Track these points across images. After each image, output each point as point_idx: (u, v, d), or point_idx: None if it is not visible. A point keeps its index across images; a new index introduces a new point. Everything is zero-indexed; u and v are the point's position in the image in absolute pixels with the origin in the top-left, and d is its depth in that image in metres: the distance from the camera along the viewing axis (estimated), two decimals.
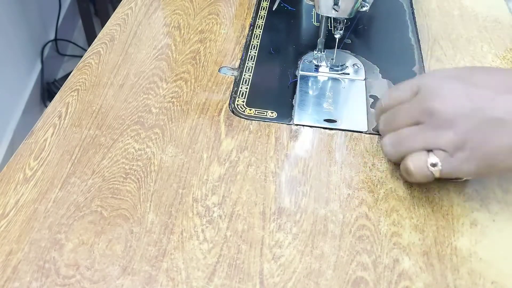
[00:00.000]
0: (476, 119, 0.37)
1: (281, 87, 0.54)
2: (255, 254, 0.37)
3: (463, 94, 0.38)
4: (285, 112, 0.50)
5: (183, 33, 0.61)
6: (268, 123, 0.48)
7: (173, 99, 0.51)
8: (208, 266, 0.36)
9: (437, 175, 0.39)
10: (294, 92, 0.52)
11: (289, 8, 0.56)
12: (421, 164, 0.39)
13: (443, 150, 0.38)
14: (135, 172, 0.43)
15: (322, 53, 0.55)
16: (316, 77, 0.55)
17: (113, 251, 0.37)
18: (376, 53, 0.58)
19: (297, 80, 0.53)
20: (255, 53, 0.58)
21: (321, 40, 0.53)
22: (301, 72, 0.55)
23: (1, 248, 0.37)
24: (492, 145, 0.37)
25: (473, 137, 0.37)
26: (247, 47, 0.59)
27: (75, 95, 0.51)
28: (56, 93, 0.52)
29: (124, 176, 0.43)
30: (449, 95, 0.39)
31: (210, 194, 0.41)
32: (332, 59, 0.55)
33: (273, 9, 0.63)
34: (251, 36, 0.61)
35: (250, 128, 0.48)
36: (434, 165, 0.38)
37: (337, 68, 0.55)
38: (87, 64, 0.56)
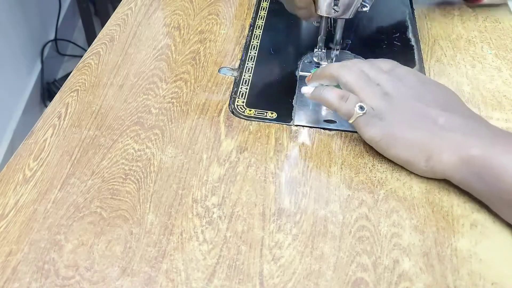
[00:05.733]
0: (409, 110, 0.43)
1: (281, 87, 0.54)
2: (255, 255, 0.37)
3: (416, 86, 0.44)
4: (285, 113, 0.50)
5: (183, 34, 0.60)
6: (268, 123, 0.48)
7: (173, 100, 0.51)
8: (208, 267, 0.36)
9: (352, 118, 0.44)
10: (294, 93, 0.52)
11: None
12: (353, 100, 0.44)
13: (372, 109, 0.43)
14: (135, 172, 0.43)
15: (323, 51, 0.55)
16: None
17: (112, 252, 0.37)
18: (376, 53, 0.58)
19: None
20: (255, 53, 0.58)
21: (321, 37, 0.53)
22: (301, 72, 0.55)
23: (1, 249, 0.37)
24: (403, 134, 0.42)
25: (396, 119, 0.43)
26: (247, 48, 0.59)
27: (75, 96, 0.51)
28: (56, 93, 0.52)
29: (124, 177, 0.43)
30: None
31: (210, 195, 0.41)
32: (332, 59, 0.55)
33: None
34: (251, 36, 0.61)
35: (250, 129, 0.48)
36: (361, 108, 0.43)
37: None
38: (87, 65, 0.56)
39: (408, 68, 0.46)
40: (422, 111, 0.42)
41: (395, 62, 0.47)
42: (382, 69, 0.46)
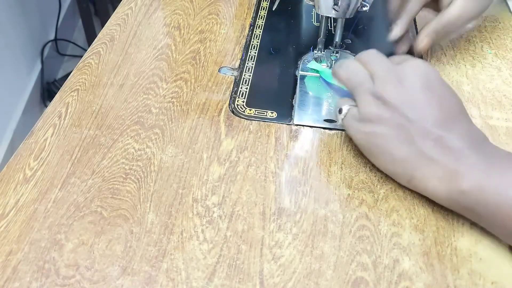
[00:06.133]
0: (397, 127, 0.39)
1: (281, 87, 0.54)
2: (255, 254, 0.37)
3: (420, 100, 0.40)
4: (285, 112, 0.50)
5: (183, 33, 0.61)
6: (268, 123, 0.48)
7: (173, 99, 0.51)
8: (208, 266, 0.36)
9: (339, 121, 0.44)
10: (294, 92, 0.52)
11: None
12: (340, 104, 0.44)
13: (357, 111, 0.42)
14: (135, 172, 0.43)
15: (322, 52, 0.55)
16: (316, 77, 0.54)
17: (113, 251, 0.37)
18: None
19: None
20: (255, 53, 0.58)
21: (321, 39, 0.53)
22: (301, 72, 0.55)
23: (1, 248, 0.37)
24: (387, 147, 0.40)
25: (383, 130, 0.40)
26: (247, 47, 0.59)
27: (75, 95, 0.51)
28: (56, 93, 0.52)
29: (124, 176, 0.43)
30: (413, 88, 0.40)
31: (210, 194, 0.41)
32: (332, 59, 0.55)
33: (273, 9, 0.63)
34: (251, 36, 0.61)
35: (250, 128, 0.48)
36: (340, 111, 0.44)
37: None
38: (87, 64, 0.56)
39: (419, 64, 0.41)
40: (413, 126, 0.39)
41: (410, 57, 0.43)
42: (390, 62, 0.43)
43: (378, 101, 0.40)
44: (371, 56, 0.43)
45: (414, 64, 0.41)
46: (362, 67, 0.43)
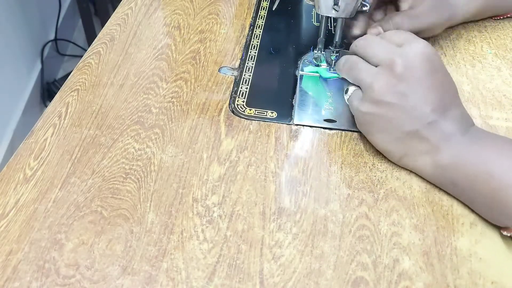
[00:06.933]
0: (399, 113, 0.41)
1: (281, 87, 0.54)
2: (255, 254, 0.37)
3: (423, 88, 0.41)
4: (285, 112, 0.50)
5: (183, 33, 0.61)
6: (268, 123, 0.48)
7: (173, 99, 0.51)
8: (208, 266, 0.36)
9: (346, 97, 0.46)
10: (294, 92, 0.53)
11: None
12: (350, 91, 0.45)
13: (362, 93, 0.44)
14: (135, 172, 0.43)
15: (322, 52, 0.55)
16: (316, 77, 0.54)
17: (113, 251, 0.37)
18: None
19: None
20: (255, 53, 0.58)
21: (321, 39, 0.53)
22: (301, 72, 0.55)
23: (1, 248, 0.37)
24: (381, 126, 0.42)
25: (383, 112, 0.42)
26: (247, 47, 0.59)
27: (75, 95, 0.51)
28: (56, 93, 0.52)
29: (124, 176, 0.43)
30: (415, 76, 0.41)
31: (210, 194, 0.41)
32: (332, 60, 0.55)
33: (273, 9, 0.63)
34: (251, 36, 0.61)
35: (250, 128, 0.48)
36: (346, 91, 0.45)
37: None
38: (87, 64, 0.56)
39: (422, 48, 0.42)
40: (413, 110, 0.41)
41: (410, 35, 0.44)
42: (394, 42, 0.43)
43: (384, 86, 0.41)
44: (369, 41, 0.44)
45: (417, 48, 0.42)
46: (360, 58, 0.44)
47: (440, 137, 0.41)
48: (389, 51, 0.42)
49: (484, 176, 0.38)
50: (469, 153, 0.40)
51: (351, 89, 0.45)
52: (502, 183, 0.37)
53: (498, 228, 0.39)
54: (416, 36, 0.44)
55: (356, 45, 0.46)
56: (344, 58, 0.47)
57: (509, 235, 0.38)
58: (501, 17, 0.62)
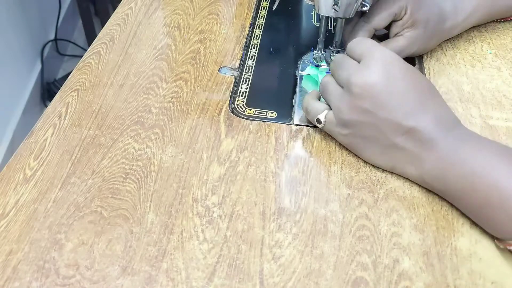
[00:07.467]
0: (373, 129, 0.42)
1: (281, 87, 0.54)
2: (255, 254, 0.37)
3: (387, 99, 0.41)
4: (285, 112, 0.50)
5: (183, 33, 0.61)
6: (268, 123, 0.48)
7: (173, 99, 0.51)
8: (208, 266, 0.36)
9: (320, 126, 0.45)
10: (294, 92, 0.53)
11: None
12: (315, 113, 0.45)
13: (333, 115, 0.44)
14: (135, 172, 0.43)
15: (322, 52, 0.55)
16: (316, 77, 0.54)
17: (113, 251, 0.37)
18: None
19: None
20: (255, 53, 0.58)
21: (321, 39, 0.53)
22: (301, 72, 0.55)
23: (1, 248, 0.37)
24: (366, 145, 0.43)
25: (358, 131, 0.42)
26: (247, 47, 0.59)
27: (75, 95, 0.51)
28: (56, 93, 0.52)
29: (124, 176, 0.43)
30: (375, 88, 0.41)
31: (210, 194, 0.41)
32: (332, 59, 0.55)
33: (273, 9, 0.63)
34: (251, 36, 0.61)
35: (250, 128, 0.48)
36: (319, 121, 0.45)
37: None
38: (87, 64, 0.56)
39: (381, 57, 0.41)
40: (383, 123, 0.41)
41: (367, 45, 0.43)
42: (355, 55, 0.43)
43: (349, 107, 0.42)
44: (336, 62, 0.45)
45: (376, 58, 0.41)
46: (331, 78, 0.45)
47: (420, 146, 0.40)
48: (347, 71, 0.42)
49: (470, 181, 0.37)
50: (452, 157, 0.39)
51: (322, 116, 0.44)
52: (488, 189, 0.36)
53: None
54: (374, 43, 0.43)
55: (331, 64, 0.46)
56: (322, 80, 0.47)
57: (502, 246, 0.37)
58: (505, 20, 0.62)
